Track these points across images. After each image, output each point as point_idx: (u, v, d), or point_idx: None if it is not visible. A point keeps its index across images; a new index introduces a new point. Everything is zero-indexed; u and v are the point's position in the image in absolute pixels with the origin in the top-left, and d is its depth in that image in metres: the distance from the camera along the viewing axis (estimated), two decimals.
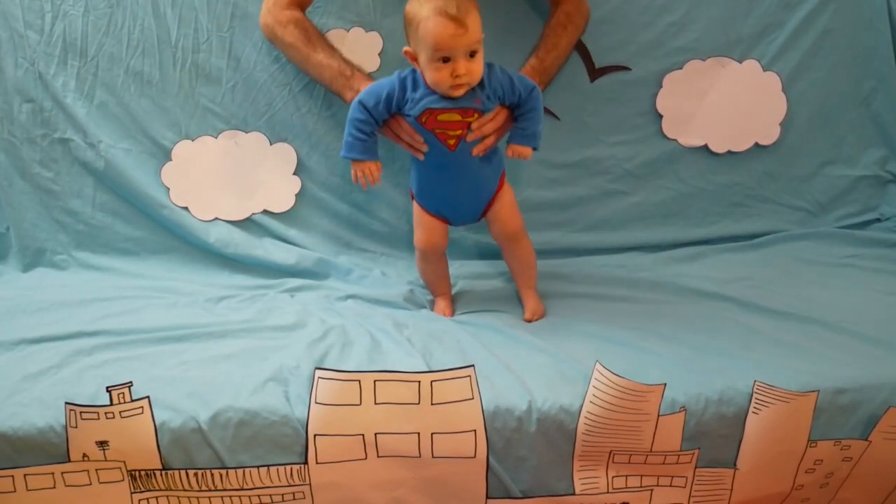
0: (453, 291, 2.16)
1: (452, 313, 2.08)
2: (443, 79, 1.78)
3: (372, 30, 2.31)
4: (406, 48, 1.85)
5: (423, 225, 2.04)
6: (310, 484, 1.60)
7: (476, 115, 1.86)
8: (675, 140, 2.44)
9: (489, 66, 1.86)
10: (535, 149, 1.93)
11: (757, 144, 2.45)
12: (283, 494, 1.61)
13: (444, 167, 1.93)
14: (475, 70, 1.79)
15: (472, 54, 1.78)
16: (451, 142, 1.88)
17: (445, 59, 1.76)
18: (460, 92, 1.81)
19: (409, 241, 2.33)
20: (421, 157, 1.92)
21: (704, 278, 2.19)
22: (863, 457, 1.71)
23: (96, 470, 1.56)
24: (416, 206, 2.05)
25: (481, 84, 1.85)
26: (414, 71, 1.87)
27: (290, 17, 2.12)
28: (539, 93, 1.91)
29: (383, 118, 1.88)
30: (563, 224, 2.44)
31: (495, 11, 2.08)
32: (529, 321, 2.01)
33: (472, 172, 1.95)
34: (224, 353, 1.79)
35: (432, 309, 2.10)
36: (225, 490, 1.59)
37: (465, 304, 2.11)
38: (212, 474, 1.58)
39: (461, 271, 2.28)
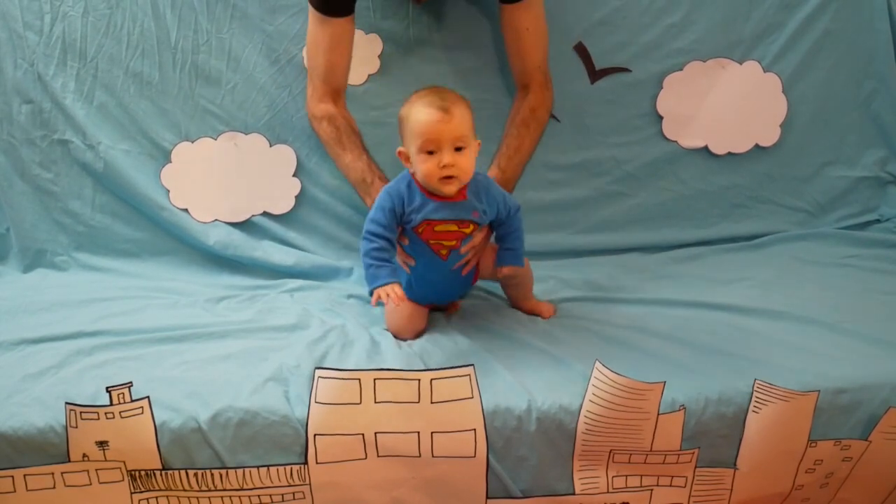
0: None
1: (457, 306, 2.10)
2: (430, 170, 1.77)
3: (372, 32, 2.32)
4: (399, 149, 1.84)
5: (404, 314, 1.92)
6: (310, 484, 1.60)
7: (472, 227, 1.87)
8: (675, 141, 2.44)
9: (486, 180, 1.90)
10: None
11: (757, 146, 2.46)
12: (283, 494, 1.61)
13: (433, 271, 1.91)
14: (463, 164, 1.77)
15: (459, 149, 1.77)
16: (444, 252, 1.87)
17: (431, 152, 1.76)
18: (451, 188, 1.79)
19: None
20: (409, 271, 1.91)
21: (704, 278, 2.19)
22: (863, 457, 1.71)
23: (96, 470, 1.56)
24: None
25: (479, 197, 1.85)
26: (406, 180, 1.85)
27: (324, 113, 2.15)
28: (521, 214, 1.94)
29: (395, 234, 1.85)
30: (564, 225, 2.44)
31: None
32: (551, 315, 2.04)
33: (458, 271, 1.93)
34: (224, 354, 1.79)
35: None
36: (225, 490, 1.59)
37: (465, 303, 2.11)
38: (212, 474, 1.58)
39: None
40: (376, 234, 1.81)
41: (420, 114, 1.76)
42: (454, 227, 1.85)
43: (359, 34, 2.29)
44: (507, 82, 2.36)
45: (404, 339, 1.90)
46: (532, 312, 2.05)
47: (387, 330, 1.93)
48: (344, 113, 2.18)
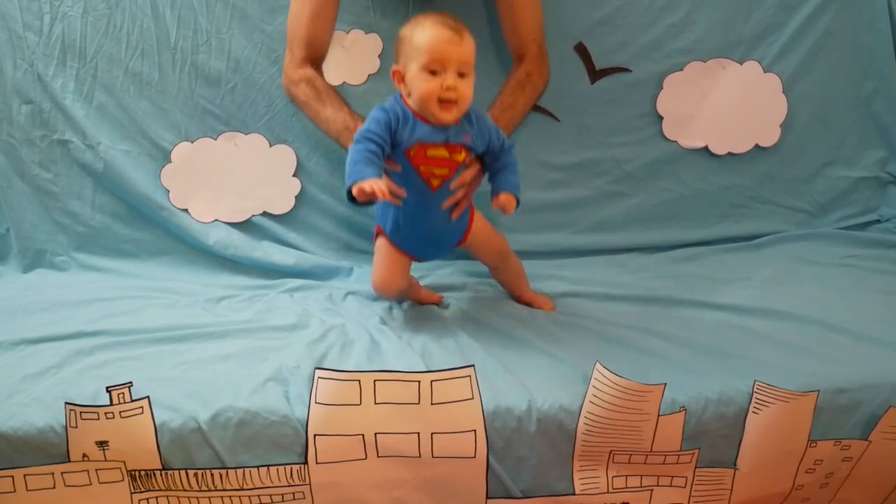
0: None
1: (440, 297, 2.10)
2: (431, 90, 1.72)
3: (371, 31, 2.32)
4: (394, 67, 1.80)
5: (387, 262, 1.95)
6: (310, 484, 1.60)
7: (464, 154, 1.82)
8: (675, 141, 2.44)
9: (478, 110, 1.85)
10: (518, 202, 1.85)
11: (757, 146, 2.45)
12: (283, 494, 1.61)
13: (423, 207, 1.86)
14: (465, 90, 1.74)
15: (462, 75, 1.73)
16: (435, 182, 1.82)
17: (434, 73, 1.72)
18: (449, 116, 1.75)
19: None
20: (399, 204, 1.83)
21: (704, 278, 2.19)
22: (863, 457, 1.71)
23: (96, 470, 1.56)
24: (381, 243, 1.96)
25: (470, 121, 1.81)
26: (397, 103, 1.80)
27: (301, 76, 2.13)
28: (514, 151, 1.90)
29: (388, 146, 1.77)
30: (564, 225, 2.44)
31: None
32: (553, 310, 2.04)
33: (447, 210, 1.88)
34: (224, 354, 1.79)
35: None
36: (225, 490, 1.59)
37: (465, 302, 2.11)
38: (212, 474, 1.58)
39: (462, 269, 2.31)
40: (370, 137, 1.73)
41: (428, 31, 1.72)
42: (445, 153, 1.80)
43: (359, 34, 2.29)
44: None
45: (388, 299, 1.95)
46: (530, 305, 2.06)
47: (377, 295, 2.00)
48: (323, 78, 2.16)
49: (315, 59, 2.16)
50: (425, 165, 1.80)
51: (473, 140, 1.81)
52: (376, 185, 1.64)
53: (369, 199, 1.67)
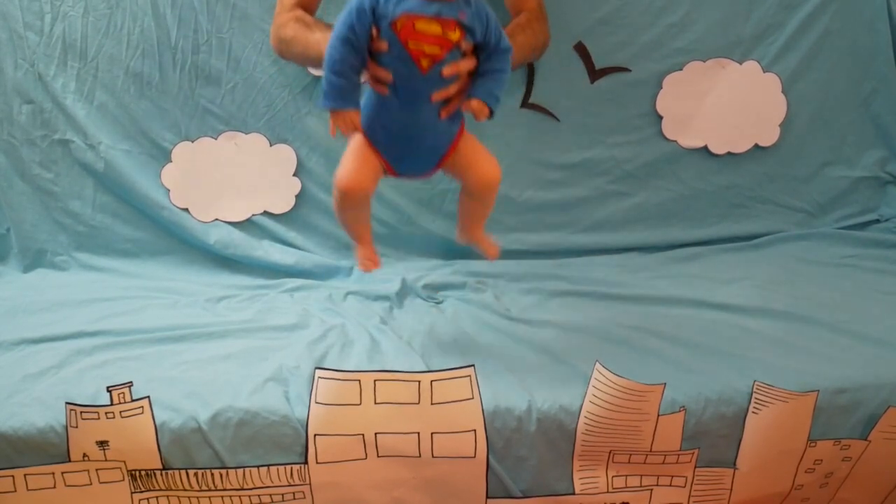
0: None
1: (378, 262, 1.88)
2: None
3: None
4: None
5: (357, 157, 1.72)
6: (310, 484, 1.60)
7: (458, 32, 1.59)
8: (675, 141, 2.43)
9: None
10: (492, 113, 1.67)
11: (757, 145, 2.45)
12: (283, 494, 1.61)
13: (410, 94, 1.64)
14: None
15: None
16: (425, 63, 1.60)
17: None
18: None
19: (410, 243, 2.34)
20: (384, 92, 1.64)
21: (704, 278, 2.19)
22: (862, 457, 1.71)
23: (96, 470, 1.56)
24: (357, 138, 1.73)
25: (468, 1, 1.60)
26: None
27: (290, 17, 2.06)
28: (510, 57, 1.70)
29: (365, 42, 1.59)
30: (564, 225, 2.44)
31: None
32: (496, 255, 1.91)
33: (435, 107, 1.66)
34: (224, 353, 1.80)
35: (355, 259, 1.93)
36: (225, 490, 1.59)
37: (465, 302, 2.11)
38: (212, 474, 1.58)
39: (462, 269, 2.31)
40: (346, 39, 1.58)
41: None
42: (437, 29, 1.59)
43: None
44: None
45: (344, 205, 1.75)
46: (477, 244, 1.91)
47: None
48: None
49: (306, 6, 2.08)
50: (414, 41, 1.59)
51: (470, 20, 1.61)
52: (349, 119, 1.61)
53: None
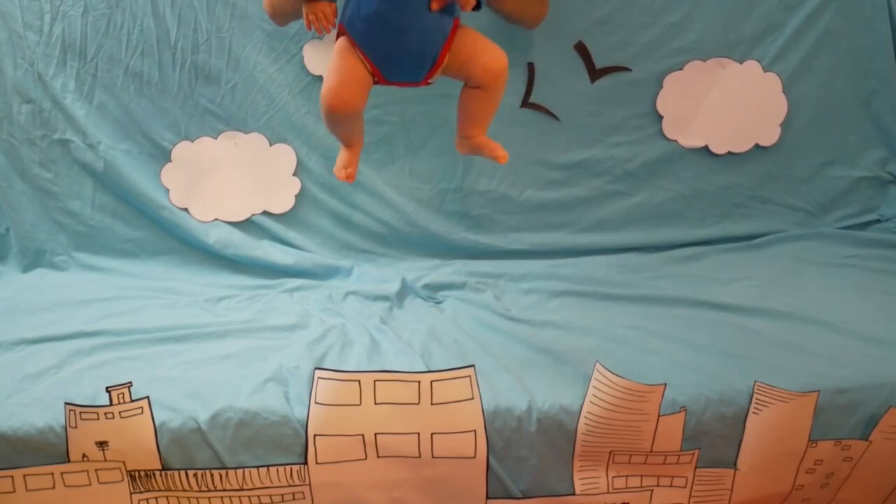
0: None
1: (353, 177, 1.79)
2: None
3: None
4: None
5: (342, 66, 1.59)
6: (310, 484, 1.60)
7: None
8: (675, 141, 2.43)
9: None
10: (479, 4, 1.58)
11: (757, 145, 2.45)
12: (282, 494, 1.61)
13: None
14: None
15: None
16: None
17: None
18: None
19: (410, 243, 2.34)
20: None
21: (704, 278, 2.19)
22: (863, 457, 1.71)
23: (96, 470, 1.56)
24: (340, 43, 1.62)
25: None
26: None
27: None
28: None
29: None
30: (564, 225, 2.44)
31: None
32: (506, 158, 1.72)
33: (422, 8, 1.53)
34: (224, 353, 1.79)
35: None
36: (225, 490, 1.59)
37: (465, 302, 2.11)
38: (211, 474, 1.58)
39: (462, 269, 2.31)
40: None
41: None
42: None
43: None
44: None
45: (334, 120, 1.67)
46: (481, 149, 1.77)
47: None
48: None
49: None
50: None
51: None
52: (321, 10, 1.53)
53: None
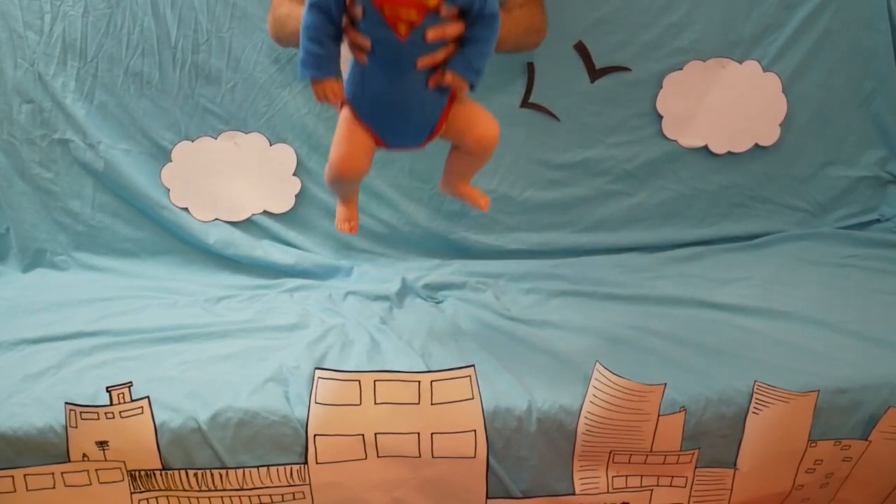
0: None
1: (356, 228, 1.86)
2: None
3: None
4: None
5: (349, 138, 1.67)
6: (310, 484, 1.60)
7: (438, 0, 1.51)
8: (675, 141, 2.43)
9: None
10: (472, 87, 1.61)
11: (757, 145, 2.45)
12: (283, 494, 1.61)
13: (391, 63, 1.58)
14: None
15: None
16: (402, 28, 1.52)
17: None
18: None
19: (410, 243, 2.34)
20: (364, 60, 1.58)
21: (704, 278, 2.19)
22: (863, 457, 1.71)
23: (96, 470, 1.56)
24: (345, 113, 1.68)
25: None
26: None
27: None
28: (499, 25, 1.61)
29: (340, 11, 1.54)
30: (563, 225, 2.44)
31: None
32: (488, 205, 1.82)
33: (421, 76, 1.60)
34: (224, 353, 1.79)
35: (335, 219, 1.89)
36: (225, 490, 1.59)
37: (465, 302, 2.11)
38: (212, 474, 1.58)
39: (462, 269, 2.31)
40: (319, 5, 1.53)
41: None
42: None
43: None
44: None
45: (341, 184, 1.75)
46: (464, 197, 1.84)
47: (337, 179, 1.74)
48: None
49: None
50: (390, 6, 1.51)
51: None
52: (329, 88, 1.57)
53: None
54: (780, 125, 2.44)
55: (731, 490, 1.71)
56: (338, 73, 1.60)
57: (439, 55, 1.57)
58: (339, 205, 1.85)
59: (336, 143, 1.69)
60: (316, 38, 1.55)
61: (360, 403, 1.57)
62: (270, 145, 2.35)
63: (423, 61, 1.56)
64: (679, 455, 1.66)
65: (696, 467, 1.68)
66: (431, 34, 1.53)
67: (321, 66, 1.58)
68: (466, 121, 1.69)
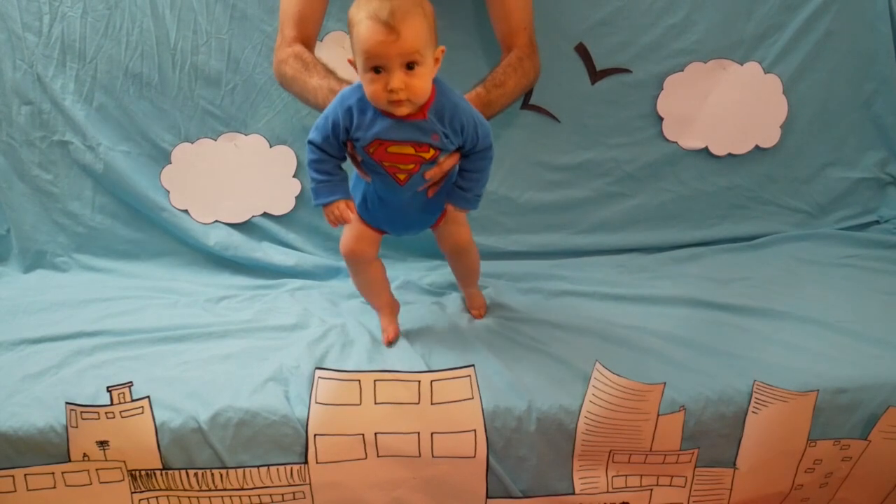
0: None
1: (397, 333, 1.89)
2: (376, 93, 1.53)
3: None
4: (349, 57, 1.59)
5: (356, 232, 1.81)
6: (310, 484, 1.60)
7: (432, 151, 1.63)
8: (675, 142, 2.43)
9: (455, 102, 1.63)
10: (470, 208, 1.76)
11: (757, 147, 2.45)
12: (283, 494, 1.61)
13: (392, 194, 1.72)
14: (415, 85, 1.52)
15: (411, 66, 1.51)
16: (402, 177, 1.66)
17: (378, 70, 1.51)
18: (402, 110, 1.55)
19: (410, 243, 2.34)
20: (369, 180, 1.71)
21: (704, 278, 2.18)
22: (862, 456, 1.71)
23: (96, 470, 1.56)
24: (351, 206, 1.72)
25: (441, 118, 1.60)
26: (358, 93, 1.60)
27: (290, 53, 2.03)
28: (493, 153, 1.71)
29: (340, 150, 1.65)
30: (564, 226, 2.44)
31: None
32: (479, 317, 2.01)
33: (421, 198, 1.73)
34: (224, 353, 1.80)
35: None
36: (225, 490, 1.59)
37: (464, 302, 2.10)
38: (212, 474, 1.58)
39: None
40: (315, 144, 1.63)
41: (362, 27, 1.49)
42: (411, 150, 1.62)
43: None
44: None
45: (355, 266, 1.86)
46: (467, 297, 2.05)
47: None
48: (311, 53, 2.03)
49: (306, 38, 2.06)
50: (389, 162, 1.64)
51: (442, 140, 1.62)
52: (338, 210, 1.65)
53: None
54: (781, 127, 2.44)
55: (731, 489, 1.71)
56: (347, 194, 1.67)
57: (436, 179, 1.70)
58: (379, 316, 1.96)
59: (345, 232, 1.84)
60: (324, 171, 1.65)
61: (361, 403, 1.57)
62: (270, 147, 2.35)
63: (422, 187, 1.71)
64: (678, 455, 1.66)
65: (695, 467, 1.68)
66: (430, 174, 1.67)
67: (333, 191, 1.66)
68: (455, 228, 1.88)
